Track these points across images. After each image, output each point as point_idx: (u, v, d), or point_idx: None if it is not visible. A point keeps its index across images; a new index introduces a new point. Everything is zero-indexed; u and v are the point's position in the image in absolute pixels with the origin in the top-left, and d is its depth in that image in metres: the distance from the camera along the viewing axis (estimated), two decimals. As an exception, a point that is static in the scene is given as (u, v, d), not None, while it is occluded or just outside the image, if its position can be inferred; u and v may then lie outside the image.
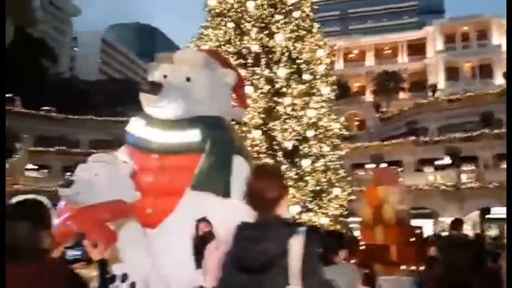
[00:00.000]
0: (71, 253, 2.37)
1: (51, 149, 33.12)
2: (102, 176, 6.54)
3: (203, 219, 4.83)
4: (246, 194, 2.50)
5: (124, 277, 5.63)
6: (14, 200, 6.51)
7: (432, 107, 34.89)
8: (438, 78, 44.32)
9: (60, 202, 6.76)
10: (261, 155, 10.08)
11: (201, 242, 4.92)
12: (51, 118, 36.54)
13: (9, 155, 23.24)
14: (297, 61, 11.38)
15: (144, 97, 7.35)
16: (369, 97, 46.65)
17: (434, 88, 40.53)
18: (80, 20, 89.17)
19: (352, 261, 10.81)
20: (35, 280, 1.94)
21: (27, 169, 31.30)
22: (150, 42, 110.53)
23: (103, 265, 2.46)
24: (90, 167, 6.75)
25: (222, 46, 11.04)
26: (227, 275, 2.30)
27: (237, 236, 2.32)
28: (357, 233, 21.49)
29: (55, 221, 6.55)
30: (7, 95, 34.41)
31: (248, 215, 6.80)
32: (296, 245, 2.08)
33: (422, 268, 9.41)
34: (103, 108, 48.54)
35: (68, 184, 6.23)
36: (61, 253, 6.10)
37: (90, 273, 2.37)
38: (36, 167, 33.93)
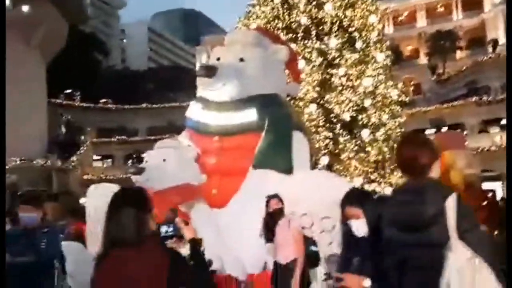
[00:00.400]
0: (164, 229, 2.46)
1: (112, 139, 34.67)
2: (170, 161, 6.84)
3: (274, 196, 4.89)
4: (398, 162, 2.64)
5: (200, 256, 5.89)
6: (93, 189, 6.84)
7: (493, 64, 32.85)
8: (498, 33, 41.51)
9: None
10: (319, 129, 9.97)
11: (271, 218, 5.00)
12: (109, 109, 38.04)
13: (77, 149, 24.60)
14: (349, 29, 11.05)
15: (200, 81, 7.50)
16: (423, 59, 44.63)
17: (494, 43, 38.05)
18: (126, 12, 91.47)
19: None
20: (145, 262, 2.04)
21: (94, 160, 32.96)
22: (195, 27, 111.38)
23: (195, 244, 2.41)
24: (158, 153, 7.06)
25: (271, 22, 10.90)
26: (389, 235, 2.43)
27: (395, 200, 2.48)
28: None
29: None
30: (66, 91, 36.22)
31: (313, 188, 6.76)
32: (452, 204, 2.24)
33: (496, 232, 9.06)
34: (155, 96, 49.95)
35: (139, 171, 6.56)
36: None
37: (183, 250, 2.46)
38: (99, 157, 35.68)
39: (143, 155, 7.99)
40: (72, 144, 24.88)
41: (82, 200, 22.21)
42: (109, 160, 36.40)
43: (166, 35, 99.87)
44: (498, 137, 26.12)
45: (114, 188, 7.72)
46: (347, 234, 2.77)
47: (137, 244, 2.05)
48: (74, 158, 23.12)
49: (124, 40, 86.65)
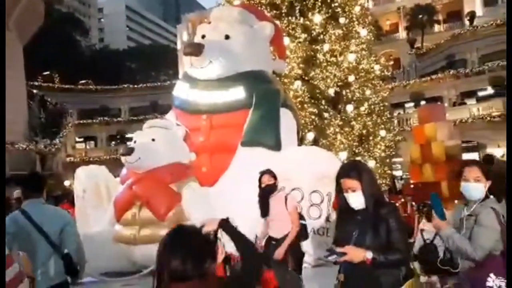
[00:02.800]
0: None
1: (94, 120, 34.24)
2: (159, 141, 6.88)
3: (267, 172, 4.98)
4: None
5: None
6: (81, 171, 6.79)
7: (470, 37, 33.23)
8: (475, 5, 41.86)
9: (123, 169, 7.13)
10: (305, 105, 10.07)
11: (264, 193, 5.10)
12: (90, 90, 37.34)
13: (59, 131, 24.27)
14: (332, 5, 11.04)
15: (187, 60, 7.49)
16: (402, 34, 44.82)
17: (471, 16, 38.36)
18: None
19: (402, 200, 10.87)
20: None
21: (76, 142, 32.56)
22: (174, 4, 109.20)
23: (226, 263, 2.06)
24: (146, 133, 7.08)
25: (254, -1, 10.83)
26: None
27: None
28: (398, 173, 21.49)
29: (120, 187, 6.95)
30: (45, 73, 35.40)
31: (301, 164, 6.88)
32: None
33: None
34: (136, 75, 49.22)
35: (129, 152, 6.58)
36: (132, 215, 6.53)
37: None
38: (82, 139, 35.26)
39: (131, 135, 7.98)
40: (54, 126, 24.51)
41: (66, 183, 22.05)
42: (92, 141, 36.05)
43: (145, 13, 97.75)
44: (475, 108, 26.68)
45: (102, 169, 7.78)
46: (344, 207, 2.72)
47: (201, 277, 1.75)
48: (57, 140, 22.78)
49: (102, 19, 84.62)
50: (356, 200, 2.64)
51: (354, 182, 2.63)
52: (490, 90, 28.26)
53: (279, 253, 4.74)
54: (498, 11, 38.18)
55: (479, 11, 41.46)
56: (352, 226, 2.65)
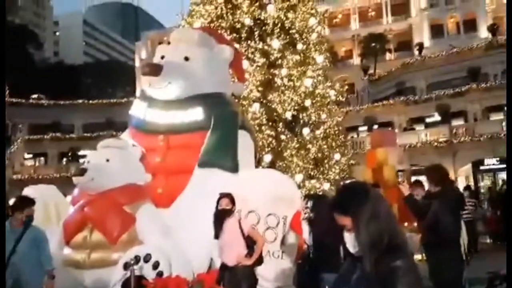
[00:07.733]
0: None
1: (45, 136, 32.92)
2: (114, 161, 6.75)
3: (227, 195, 4.99)
4: None
5: (147, 257, 5.88)
6: (28, 190, 6.54)
7: (418, 66, 35.05)
8: (423, 37, 44.26)
9: (74, 190, 6.92)
10: (262, 127, 10.21)
11: (220, 215, 5.11)
12: (42, 105, 35.98)
13: (7, 146, 23.21)
14: (290, 31, 11.36)
15: (145, 79, 7.45)
16: (356, 60, 46.55)
17: (420, 46, 40.51)
18: (59, 3, 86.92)
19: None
20: None
21: (25, 159, 31.16)
22: (133, 21, 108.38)
23: None
24: (101, 153, 6.92)
25: (215, 22, 10.96)
26: None
27: None
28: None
29: (71, 208, 6.73)
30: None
31: (258, 186, 6.94)
32: None
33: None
34: (92, 91, 48.11)
35: (82, 172, 6.41)
36: (83, 238, 6.30)
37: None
38: (31, 156, 33.81)
39: (84, 152, 7.79)
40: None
41: (11, 202, 20.95)
42: (42, 158, 34.61)
43: (102, 28, 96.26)
44: (423, 134, 27.95)
45: (51, 189, 7.50)
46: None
47: None
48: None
49: (57, 33, 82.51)
50: (351, 243, 1.87)
51: (344, 218, 1.84)
52: (437, 117, 29.75)
53: (250, 260, 4.78)
54: (444, 43, 40.53)
55: (426, 42, 43.87)
56: (349, 272, 1.92)
